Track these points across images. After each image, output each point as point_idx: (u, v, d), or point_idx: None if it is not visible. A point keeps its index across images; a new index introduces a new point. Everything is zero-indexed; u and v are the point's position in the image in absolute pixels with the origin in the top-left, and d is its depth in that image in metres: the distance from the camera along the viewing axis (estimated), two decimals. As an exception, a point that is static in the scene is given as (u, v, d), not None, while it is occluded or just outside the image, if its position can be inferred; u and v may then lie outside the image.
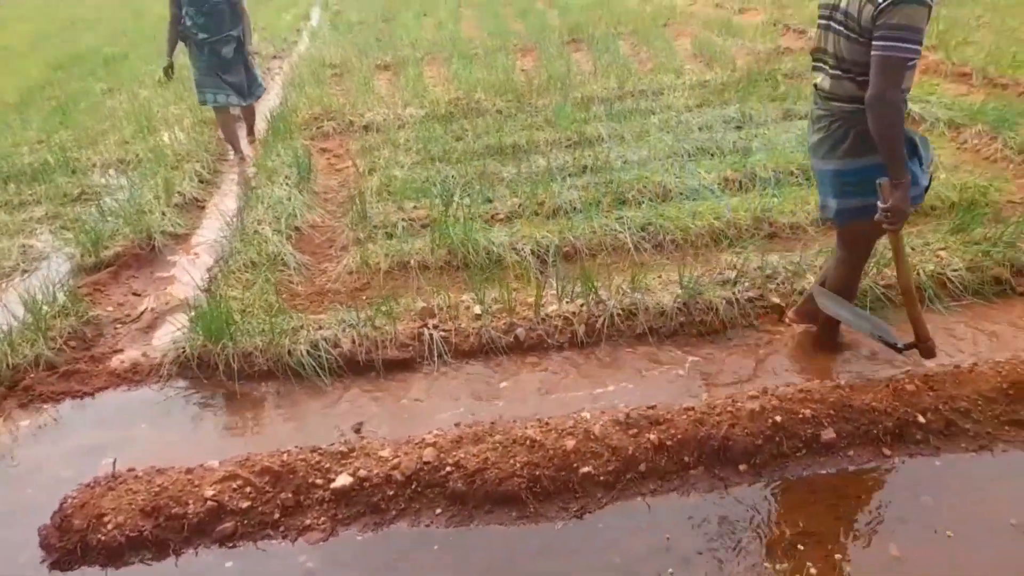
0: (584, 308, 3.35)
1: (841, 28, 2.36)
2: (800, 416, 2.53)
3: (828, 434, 2.50)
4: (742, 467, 2.49)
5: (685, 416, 2.60)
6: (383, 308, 3.40)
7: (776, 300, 3.34)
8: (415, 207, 4.70)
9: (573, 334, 3.28)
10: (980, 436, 2.49)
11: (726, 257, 3.68)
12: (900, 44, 2.20)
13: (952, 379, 2.64)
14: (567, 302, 3.41)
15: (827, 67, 2.49)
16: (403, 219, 4.52)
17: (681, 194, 4.50)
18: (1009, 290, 3.33)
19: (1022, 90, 5.60)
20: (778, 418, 2.52)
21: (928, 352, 2.69)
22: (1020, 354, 2.78)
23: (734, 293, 3.34)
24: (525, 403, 2.93)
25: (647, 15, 9.73)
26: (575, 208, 4.44)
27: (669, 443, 2.53)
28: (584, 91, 6.60)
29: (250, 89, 5.94)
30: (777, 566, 2.15)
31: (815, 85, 2.59)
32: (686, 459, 2.51)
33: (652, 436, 2.54)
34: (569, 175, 4.94)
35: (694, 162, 4.89)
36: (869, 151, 2.43)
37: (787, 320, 3.25)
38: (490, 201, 4.68)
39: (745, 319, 3.29)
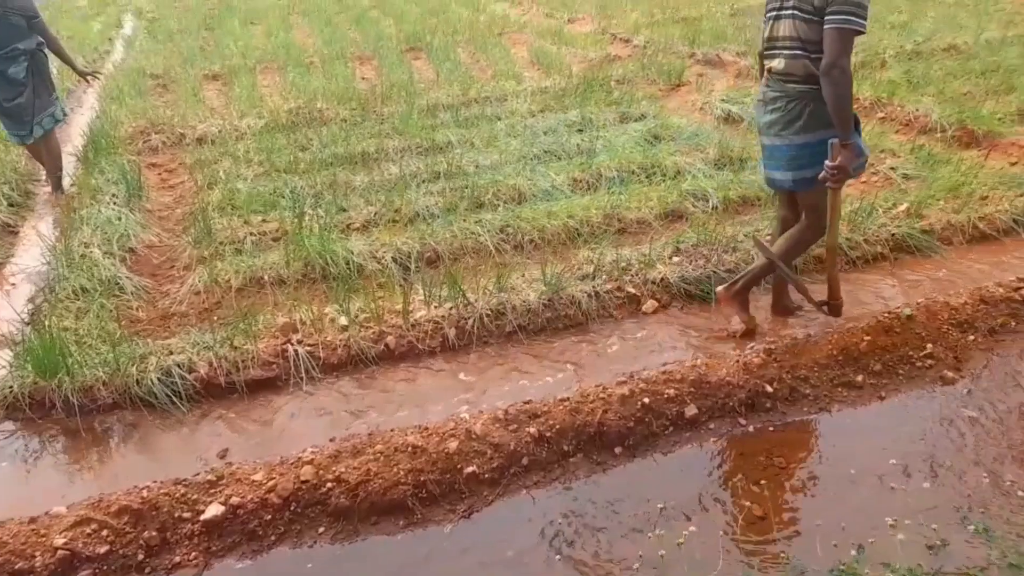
0: (453, 311, 3.37)
1: (797, 12, 2.71)
2: (665, 396, 2.70)
3: (691, 410, 2.69)
4: (617, 450, 2.61)
5: (561, 407, 2.68)
6: (241, 327, 3.22)
7: (632, 290, 3.52)
8: (263, 220, 4.50)
9: (444, 338, 3.28)
10: (819, 399, 2.78)
11: (583, 253, 3.83)
12: (852, 17, 2.56)
13: (791, 350, 2.92)
14: (435, 307, 3.41)
15: (784, 51, 2.79)
16: (251, 233, 4.31)
17: (535, 196, 4.63)
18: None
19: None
20: (646, 400, 2.67)
21: (836, 310, 3.05)
22: (845, 323, 3.12)
23: (594, 286, 3.50)
24: (402, 411, 2.89)
25: (482, 24, 9.92)
26: (433, 214, 4.44)
27: (548, 435, 2.60)
28: (429, 99, 6.62)
29: (33, 122, 4.90)
30: (653, 536, 2.27)
31: (770, 70, 2.88)
32: (565, 448, 2.60)
33: (532, 429, 2.60)
34: (424, 181, 4.94)
35: (543, 165, 5.05)
36: (822, 126, 2.76)
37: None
38: (344, 211, 4.57)
39: (605, 310, 3.45)
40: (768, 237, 3.41)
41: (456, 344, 3.26)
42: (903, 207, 3.97)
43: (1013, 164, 4.66)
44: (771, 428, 2.70)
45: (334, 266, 3.85)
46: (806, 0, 2.66)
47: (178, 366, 3.03)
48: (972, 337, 3.01)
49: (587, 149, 5.28)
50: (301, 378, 3.08)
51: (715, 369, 2.81)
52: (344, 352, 3.18)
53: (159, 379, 2.97)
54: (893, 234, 3.79)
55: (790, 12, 2.74)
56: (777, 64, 2.83)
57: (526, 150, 5.30)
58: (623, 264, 3.65)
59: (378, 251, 3.99)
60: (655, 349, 3.19)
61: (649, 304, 3.47)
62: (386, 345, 3.21)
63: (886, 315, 3.07)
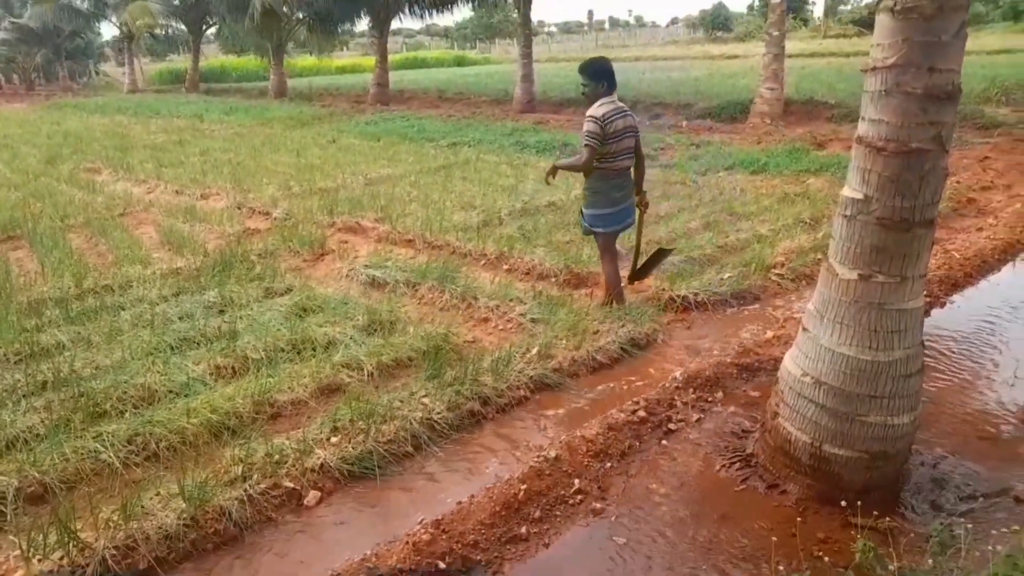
0: (64, 561, 2.72)
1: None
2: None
3: (367, 613, 2.46)
4: None
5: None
6: None
7: (290, 484, 3.24)
8: None
9: (53, 600, 2.61)
10: (491, 563, 2.76)
11: (230, 452, 3.45)
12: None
13: (457, 517, 2.90)
14: (38, 560, 2.72)
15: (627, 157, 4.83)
16: None
17: (171, 392, 4.13)
18: (482, 419, 3.89)
19: (452, 249, 6.86)
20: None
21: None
22: (503, 475, 3.22)
23: (245, 489, 3.14)
24: None
25: (99, 205, 9.08)
26: (38, 435, 3.68)
27: None
28: (31, 294, 5.71)
29: None
30: None
31: (623, 168, 4.86)
32: None
33: None
34: (23, 396, 4.11)
35: (179, 355, 4.58)
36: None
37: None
38: (-96, 452, 3.56)
39: (262, 514, 3.10)
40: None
41: (72, 604, 2.62)
42: (535, 350, 4.37)
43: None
44: (451, 607, 2.59)
45: None
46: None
47: None
48: (609, 464, 3.32)
49: (229, 331, 4.95)
50: None
51: (385, 559, 2.65)
52: None
53: None
54: (531, 376, 4.13)
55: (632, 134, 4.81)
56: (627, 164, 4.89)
57: (158, 340, 4.77)
58: (277, 457, 3.36)
59: (-45, 501, 3.13)
60: (322, 548, 2.92)
61: (311, 496, 3.22)
62: (-35, 632, 2.45)
63: (535, 459, 3.25)
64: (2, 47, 36.42)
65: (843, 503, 2.82)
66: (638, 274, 5.46)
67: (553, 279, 5.82)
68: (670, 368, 4.38)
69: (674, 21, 78.46)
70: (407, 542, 2.76)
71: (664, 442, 3.54)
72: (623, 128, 4.72)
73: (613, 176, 4.86)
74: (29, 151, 14.32)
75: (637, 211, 5.14)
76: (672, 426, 3.64)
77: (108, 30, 41.25)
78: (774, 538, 2.78)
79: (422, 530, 2.82)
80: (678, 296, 5.32)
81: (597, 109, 4.68)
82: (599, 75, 4.74)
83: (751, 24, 47.17)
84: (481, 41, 63.62)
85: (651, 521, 2.99)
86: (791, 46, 19.79)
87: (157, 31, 35.08)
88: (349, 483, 3.34)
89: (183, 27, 34.20)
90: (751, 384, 4.11)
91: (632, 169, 5.00)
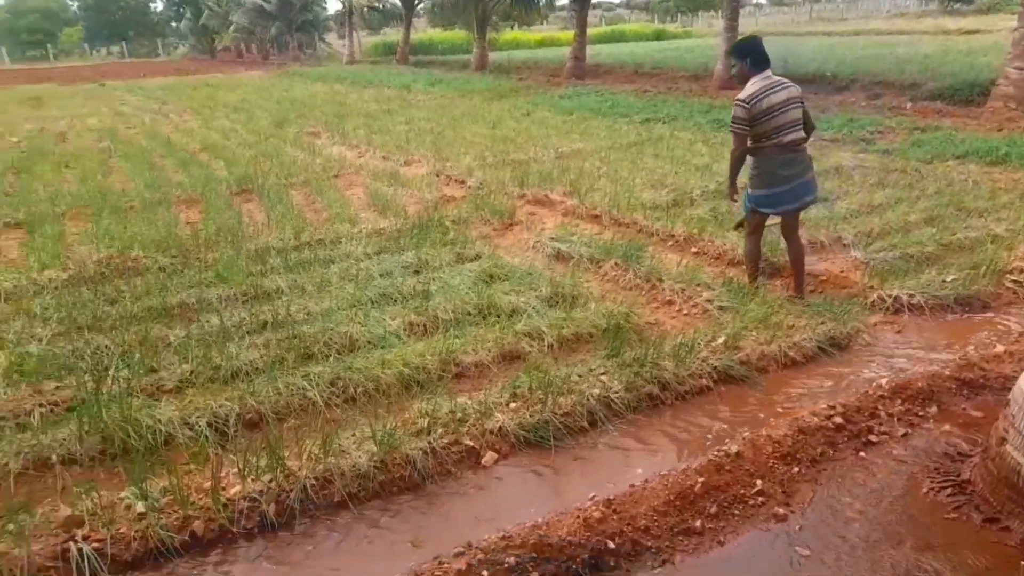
0: (273, 484, 3.03)
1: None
2: (505, 566, 2.51)
3: (534, 579, 2.51)
4: (457, 636, 2.36)
5: (393, 592, 2.41)
6: (9, 526, 2.70)
7: (470, 443, 3.37)
8: (57, 387, 3.96)
9: (263, 516, 2.93)
10: (662, 551, 2.70)
11: (417, 405, 3.66)
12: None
13: (630, 499, 2.86)
14: (252, 480, 3.06)
15: (792, 130, 4.59)
16: (40, 404, 3.77)
17: (369, 343, 4.45)
18: (660, 404, 3.80)
19: (639, 227, 6.73)
20: (485, 573, 2.47)
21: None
22: (679, 464, 3.13)
23: (429, 442, 3.31)
24: (208, 614, 2.49)
25: (317, 166, 9.94)
26: (257, 368, 4.13)
27: (379, 627, 2.31)
28: (258, 243, 6.39)
29: None
30: None
31: (788, 143, 4.58)
32: (399, 641, 2.31)
33: (360, 623, 2.30)
34: (247, 333, 4.62)
35: (378, 309, 4.92)
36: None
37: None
38: (154, 371, 4.14)
39: (442, 467, 3.26)
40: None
41: (276, 522, 2.91)
42: (721, 340, 4.18)
43: (811, 291, 5.13)
44: (618, 588, 2.57)
45: (136, 438, 3.41)
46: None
47: (-83, 588, 2.46)
48: (797, 469, 3.10)
49: (423, 291, 5.23)
50: (84, 585, 2.59)
51: (556, 528, 2.68)
52: (140, 545, 2.74)
53: None
54: (715, 367, 3.96)
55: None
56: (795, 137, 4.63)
57: (360, 294, 5.16)
58: (459, 415, 3.51)
59: (191, 416, 3.60)
60: (496, 508, 3.01)
61: (489, 456, 3.33)
62: (192, 532, 2.81)
63: (716, 453, 3.12)
64: (244, 21, 41.00)
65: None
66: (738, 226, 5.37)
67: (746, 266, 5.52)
68: (874, 374, 4.00)
69: (903, -9, 70.66)
70: (577, 516, 2.76)
71: (862, 454, 3.24)
72: (779, 103, 4.54)
73: (777, 153, 4.64)
74: (262, 114, 15.98)
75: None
76: (873, 437, 3.32)
77: (333, 4, 44.84)
78: (988, 579, 2.47)
79: (593, 507, 2.82)
80: (889, 296, 4.83)
81: (744, 90, 4.59)
82: (741, 52, 4.69)
83: (998, -6, 41.36)
84: (683, 14, 61.47)
85: (841, 537, 2.76)
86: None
87: (375, 5, 37.64)
88: (524, 449, 3.41)
89: (398, 2, 36.33)
90: (972, 402, 3.64)
91: (803, 143, 4.70)
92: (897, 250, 5.59)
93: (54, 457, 3.35)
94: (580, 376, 3.87)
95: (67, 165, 10.52)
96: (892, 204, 6.96)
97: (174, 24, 56.41)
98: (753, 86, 4.55)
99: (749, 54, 4.61)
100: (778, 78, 4.63)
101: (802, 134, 4.67)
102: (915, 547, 2.70)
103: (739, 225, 5.25)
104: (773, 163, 4.67)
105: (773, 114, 4.54)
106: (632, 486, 2.99)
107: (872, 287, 4.99)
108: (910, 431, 3.39)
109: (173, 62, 46.87)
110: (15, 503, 2.92)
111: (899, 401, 3.57)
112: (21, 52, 53.14)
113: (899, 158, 8.93)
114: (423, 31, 48.34)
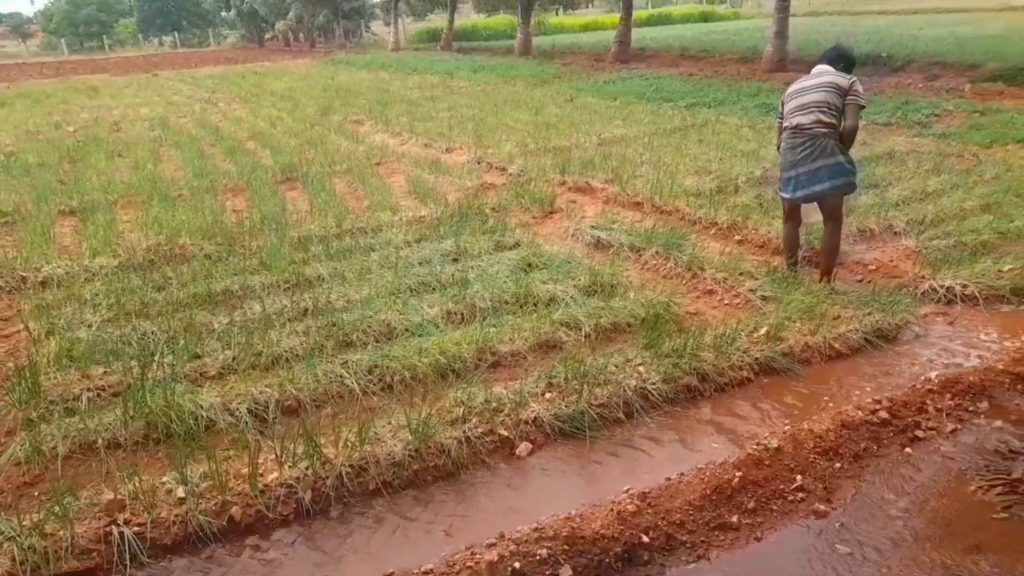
0: (309, 471, 3.07)
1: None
2: (538, 558, 2.50)
3: (565, 572, 2.49)
4: (487, 626, 2.36)
5: (424, 580, 2.42)
6: (55, 508, 2.79)
7: (504, 432, 3.37)
8: (105, 372, 4.08)
9: (299, 502, 2.97)
10: (696, 545, 2.65)
11: (453, 394, 3.66)
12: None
13: (665, 492, 2.81)
14: (289, 467, 3.10)
15: (800, 114, 4.64)
16: (88, 389, 3.89)
17: (406, 331, 4.47)
18: (699, 395, 3.73)
19: (681, 215, 6.61)
20: (517, 565, 2.46)
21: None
22: (716, 457, 3.07)
23: (464, 431, 3.31)
24: (244, 598, 2.53)
25: (360, 154, 10.02)
26: (296, 355, 4.18)
27: (409, 615, 2.32)
28: (301, 231, 6.47)
29: None
30: None
31: (794, 126, 4.63)
32: (428, 631, 2.32)
33: (390, 611, 2.32)
34: (288, 320, 4.69)
35: (416, 297, 4.93)
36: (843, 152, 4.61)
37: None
38: (198, 357, 4.23)
39: (477, 456, 3.26)
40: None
41: (312, 509, 2.95)
42: (763, 330, 4.08)
43: (859, 281, 4.97)
44: (651, 583, 2.53)
45: (179, 423, 3.49)
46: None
47: (-30, 565, 2.57)
48: (839, 465, 3.01)
49: (461, 279, 5.23)
50: (125, 566, 2.67)
51: (589, 521, 2.65)
52: (180, 529, 2.80)
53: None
54: (756, 358, 3.87)
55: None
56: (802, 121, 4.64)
57: (399, 282, 5.18)
58: (494, 405, 3.50)
59: (232, 402, 3.67)
60: (529, 499, 3.00)
61: (523, 447, 3.32)
62: (230, 517, 2.87)
63: (755, 447, 3.05)
64: (293, 10, 41.51)
65: None
66: None
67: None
68: (922, 367, 3.86)
69: (966, -33, 67.73)
70: (611, 509, 2.73)
71: (908, 450, 3.13)
72: (801, 88, 4.74)
73: (787, 136, 4.77)
74: (307, 103, 16.17)
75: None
76: (920, 433, 3.21)
77: (378, -8, 45.09)
78: (1042, 584, 2.36)
79: (628, 500, 2.78)
80: (941, 286, 4.65)
81: None
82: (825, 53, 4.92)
83: (1070, -32, 39.25)
84: (732, -5, 60.01)
85: (884, 535, 2.68)
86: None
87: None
88: (559, 440, 3.39)
89: (442, -12, 36.38)
90: (1028, 398, 3.49)
91: (818, 128, 4.59)
92: (951, 238, 5.38)
93: (100, 441, 3.45)
94: (617, 367, 3.82)
95: (120, 154, 10.82)
96: (947, 190, 6.69)
97: (224, 13, 57.47)
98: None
99: (827, 54, 4.87)
100: (819, 68, 4.79)
101: (812, 119, 4.58)
102: (962, 548, 2.59)
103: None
104: (784, 146, 4.84)
105: (793, 97, 4.76)
106: (668, 479, 2.95)
107: (923, 277, 4.81)
108: (959, 427, 3.27)
109: (223, 51, 47.76)
110: (61, 486, 3.01)
111: (949, 395, 3.44)
112: (79, 43, 54.90)
113: (956, 142, 8.59)
114: (467, 16, 48.28)
